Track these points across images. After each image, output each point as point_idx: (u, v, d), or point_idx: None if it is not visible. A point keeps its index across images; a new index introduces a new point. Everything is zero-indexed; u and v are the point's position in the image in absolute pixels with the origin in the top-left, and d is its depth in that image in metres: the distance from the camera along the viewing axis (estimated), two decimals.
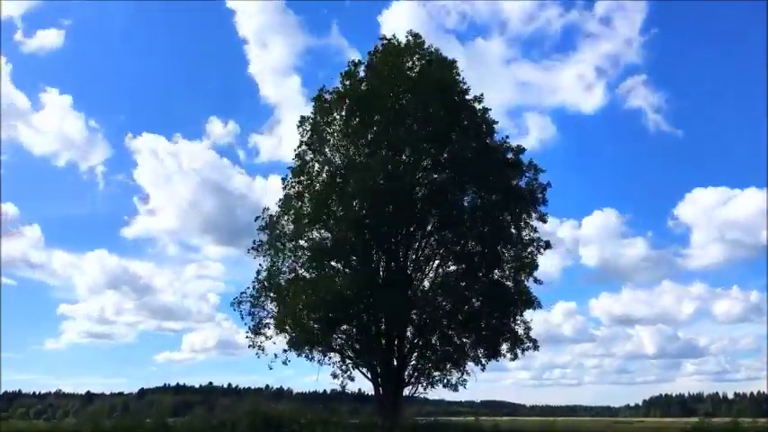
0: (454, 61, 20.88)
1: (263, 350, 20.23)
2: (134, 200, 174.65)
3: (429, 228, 20.48)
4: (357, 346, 20.13)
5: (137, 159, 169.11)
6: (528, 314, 20.27)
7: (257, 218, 21.13)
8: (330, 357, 20.13)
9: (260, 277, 20.58)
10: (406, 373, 20.33)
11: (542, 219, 20.84)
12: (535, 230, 20.68)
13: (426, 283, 20.58)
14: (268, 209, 21.14)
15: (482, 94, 21.00)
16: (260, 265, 20.83)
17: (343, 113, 20.42)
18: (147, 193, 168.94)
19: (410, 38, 20.94)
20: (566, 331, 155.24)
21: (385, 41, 21.05)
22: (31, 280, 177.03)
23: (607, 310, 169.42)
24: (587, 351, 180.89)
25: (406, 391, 20.47)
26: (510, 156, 21.03)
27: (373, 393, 20.56)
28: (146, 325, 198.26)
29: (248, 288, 20.74)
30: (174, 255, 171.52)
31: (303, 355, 19.81)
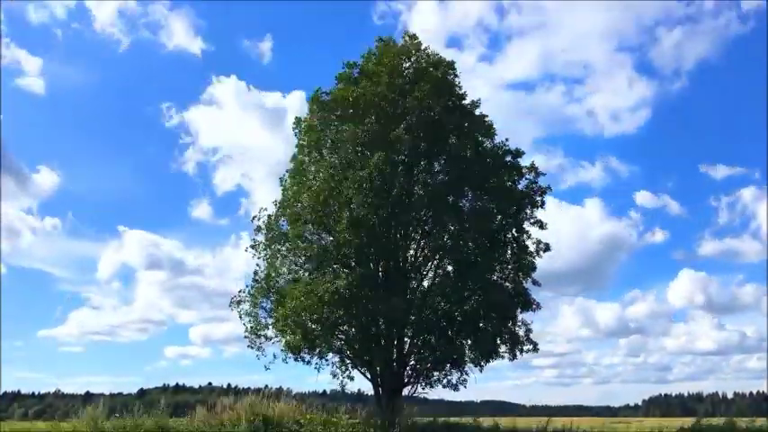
0: (452, 63, 21.00)
1: (262, 351, 20.39)
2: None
3: (426, 229, 20.53)
4: (356, 347, 20.18)
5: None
6: (529, 315, 20.36)
7: (254, 218, 21.39)
8: (328, 359, 20.21)
9: (257, 278, 20.72)
10: (406, 373, 20.40)
11: (540, 225, 20.77)
12: (529, 236, 20.69)
13: (425, 284, 20.69)
14: (266, 209, 21.40)
15: (479, 99, 21.17)
16: (257, 265, 21.03)
17: (340, 114, 20.50)
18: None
19: (407, 39, 21.15)
20: (634, 323, 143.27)
21: (381, 42, 21.21)
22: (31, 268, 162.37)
23: (688, 297, 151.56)
24: (641, 345, 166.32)
25: (406, 391, 20.54)
26: (509, 159, 21.09)
27: (372, 393, 20.67)
28: (163, 316, 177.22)
29: (246, 287, 20.93)
30: (211, 224, 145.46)
31: (301, 359, 19.86)
